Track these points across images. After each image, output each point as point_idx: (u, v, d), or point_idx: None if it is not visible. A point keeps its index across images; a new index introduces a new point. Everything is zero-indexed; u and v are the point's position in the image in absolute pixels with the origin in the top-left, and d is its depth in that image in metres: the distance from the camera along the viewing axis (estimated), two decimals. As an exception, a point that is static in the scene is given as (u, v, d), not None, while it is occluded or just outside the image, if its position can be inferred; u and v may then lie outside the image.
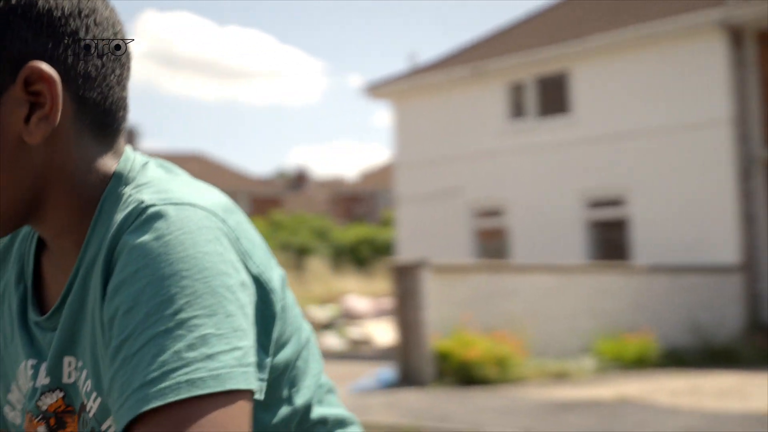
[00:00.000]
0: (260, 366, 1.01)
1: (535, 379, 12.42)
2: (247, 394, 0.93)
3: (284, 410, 1.12)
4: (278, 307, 1.06)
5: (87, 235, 1.06)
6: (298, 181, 61.92)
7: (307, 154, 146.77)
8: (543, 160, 19.99)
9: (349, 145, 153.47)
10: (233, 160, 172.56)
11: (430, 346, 12.08)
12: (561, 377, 12.73)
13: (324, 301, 22.52)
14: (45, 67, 1.01)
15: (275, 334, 1.06)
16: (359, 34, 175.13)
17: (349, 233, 35.63)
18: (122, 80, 1.09)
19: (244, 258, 1.01)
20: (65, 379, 1.09)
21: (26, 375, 1.14)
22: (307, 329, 1.18)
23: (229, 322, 0.93)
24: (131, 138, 47.73)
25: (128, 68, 1.10)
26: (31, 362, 1.13)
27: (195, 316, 0.91)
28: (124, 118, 1.10)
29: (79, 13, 1.04)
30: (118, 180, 1.08)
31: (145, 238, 0.95)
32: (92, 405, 1.06)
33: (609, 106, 19.02)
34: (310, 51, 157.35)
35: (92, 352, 1.05)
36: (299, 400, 1.14)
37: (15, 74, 1.01)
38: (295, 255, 30.04)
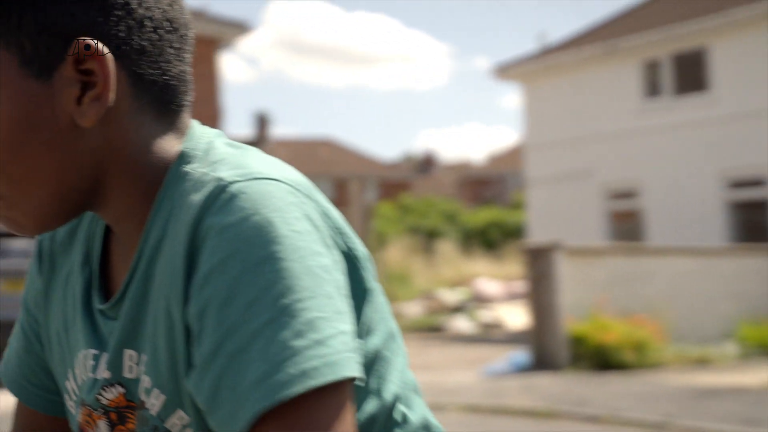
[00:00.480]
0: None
1: (674, 365, 12.05)
2: (352, 382, 0.86)
3: (372, 405, 1.01)
4: (369, 285, 0.99)
5: (148, 219, 0.99)
6: (426, 164, 61.97)
7: (434, 138, 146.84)
8: (679, 139, 19.38)
9: (476, 127, 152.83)
10: (361, 144, 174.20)
11: (565, 330, 11.86)
12: (702, 363, 12.32)
13: (454, 284, 22.46)
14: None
15: (365, 316, 0.99)
16: (485, 15, 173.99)
17: (479, 216, 35.44)
18: (182, 54, 1.01)
19: (335, 233, 0.94)
20: (126, 374, 1.02)
21: (85, 365, 1.07)
22: (392, 318, 1.06)
23: (330, 304, 0.86)
24: (263, 125, 48.54)
25: (188, 40, 1.02)
26: (92, 352, 1.06)
27: (297, 300, 0.84)
28: (186, 93, 1.02)
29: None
30: (182, 159, 0.99)
31: (232, 219, 0.87)
32: (154, 402, 0.98)
33: (750, 83, 18.28)
34: (436, 34, 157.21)
35: (153, 344, 0.97)
36: (387, 394, 1.02)
37: (64, 52, 0.94)
38: (424, 238, 30.05)
